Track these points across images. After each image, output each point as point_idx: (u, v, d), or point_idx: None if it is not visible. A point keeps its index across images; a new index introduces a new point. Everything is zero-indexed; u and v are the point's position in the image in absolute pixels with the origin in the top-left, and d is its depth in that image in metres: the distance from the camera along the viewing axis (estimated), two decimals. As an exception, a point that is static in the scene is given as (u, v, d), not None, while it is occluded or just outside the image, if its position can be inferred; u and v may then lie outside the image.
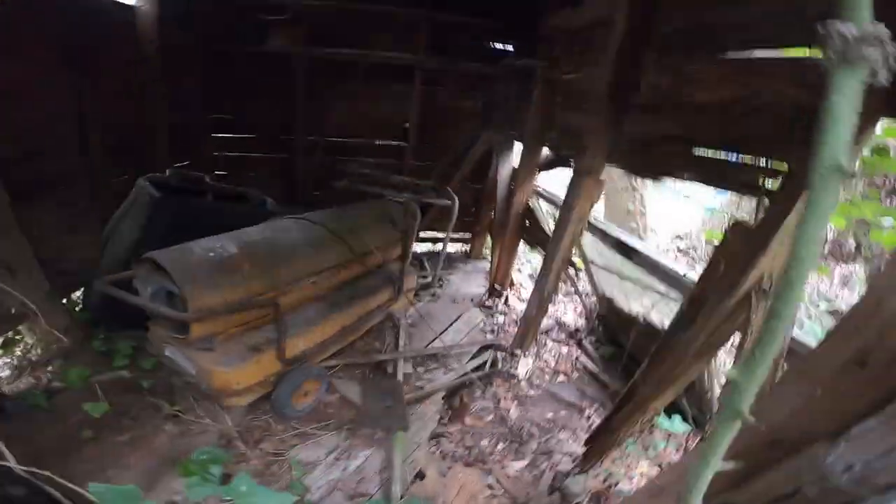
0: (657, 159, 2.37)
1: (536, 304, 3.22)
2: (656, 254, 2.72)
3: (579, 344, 3.85)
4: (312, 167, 5.02)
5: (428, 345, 3.55)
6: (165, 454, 2.26)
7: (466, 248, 5.66)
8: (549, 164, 3.93)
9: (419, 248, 5.51)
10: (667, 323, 2.67)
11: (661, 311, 2.95)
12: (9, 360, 3.01)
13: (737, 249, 1.64)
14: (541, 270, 3.08)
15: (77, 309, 3.23)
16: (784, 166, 1.67)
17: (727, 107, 1.93)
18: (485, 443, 2.82)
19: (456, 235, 5.50)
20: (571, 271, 4.26)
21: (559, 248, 2.85)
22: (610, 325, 3.78)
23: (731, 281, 1.65)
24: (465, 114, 4.88)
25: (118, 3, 3.49)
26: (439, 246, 5.54)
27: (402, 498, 2.25)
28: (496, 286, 4.44)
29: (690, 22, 2.21)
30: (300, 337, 2.60)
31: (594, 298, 4.04)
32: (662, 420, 2.65)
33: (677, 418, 2.64)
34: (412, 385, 3.11)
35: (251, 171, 4.97)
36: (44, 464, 2.05)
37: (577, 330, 4.01)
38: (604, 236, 2.94)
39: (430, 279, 4.52)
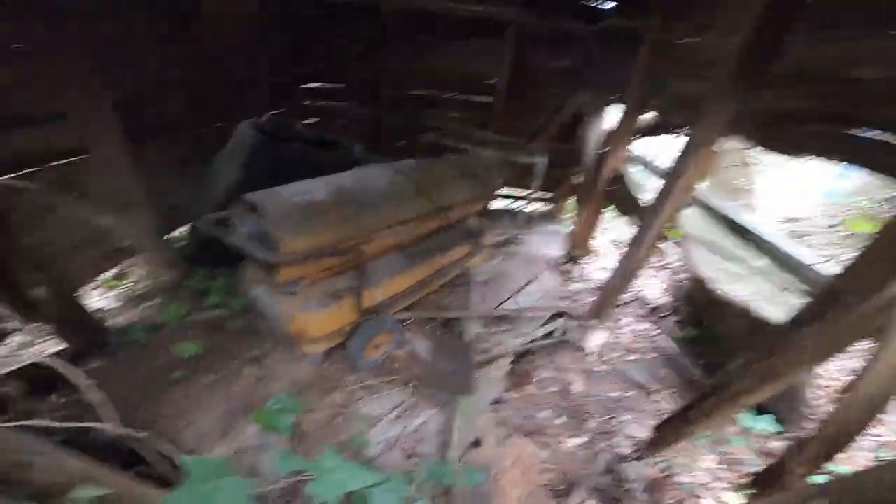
0: (795, 135, 2.10)
1: (621, 275, 3.02)
2: (779, 238, 2.40)
3: (659, 322, 3.63)
4: (398, 118, 5.05)
5: (499, 305, 3.50)
6: (243, 399, 2.40)
7: (547, 208, 5.45)
8: (651, 130, 3.58)
9: (498, 203, 5.43)
10: (775, 314, 2.43)
11: (771, 299, 2.65)
12: (118, 294, 3.31)
13: (892, 248, 1.39)
14: (633, 239, 2.86)
15: (179, 246, 3.46)
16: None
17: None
18: (544, 414, 2.78)
19: (538, 195, 5.35)
20: (662, 244, 3.98)
21: (658, 218, 2.61)
22: (698, 307, 3.50)
23: (877, 282, 1.41)
24: (557, 73, 4.56)
25: None
26: (518, 204, 5.44)
27: (457, 463, 2.27)
28: (575, 251, 4.25)
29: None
30: (378, 287, 2.62)
31: (684, 276, 3.75)
32: (746, 416, 2.45)
33: (768, 417, 2.41)
34: (479, 346, 3.08)
35: (338, 120, 5.19)
36: (134, 403, 2.25)
37: (658, 307, 3.77)
38: (712, 211, 2.63)
39: (506, 236, 4.41)
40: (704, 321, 3.33)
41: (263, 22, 3.90)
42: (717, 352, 3.07)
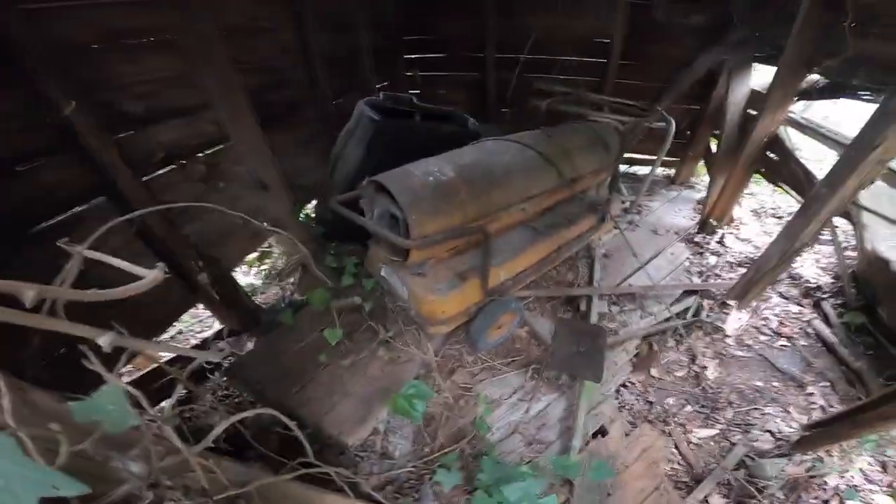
0: None
1: (780, 253, 2.65)
2: None
3: (816, 305, 3.17)
4: (506, 85, 4.79)
5: (622, 281, 3.29)
6: (378, 381, 2.52)
7: (670, 172, 4.96)
8: (823, 92, 2.99)
9: (621, 167, 5.03)
10: None
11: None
12: (261, 273, 3.63)
13: None
14: (798, 213, 2.47)
15: (313, 224, 3.66)
16: None
17: None
18: (670, 401, 2.60)
19: (666, 157, 4.85)
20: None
21: (835, 190, 2.21)
22: (869, 290, 2.98)
23: None
24: (687, 28, 3.92)
25: None
26: (638, 168, 5.01)
27: (581, 452, 2.20)
28: (711, 221, 3.83)
29: None
30: (503, 266, 2.57)
31: (855, 255, 3.20)
32: None
33: None
34: (605, 327, 2.93)
35: (442, 90, 5.09)
36: (286, 386, 2.42)
37: (817, 287, 3.28)
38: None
39: (630, 204, 4.10)
40: (879, 308, 2.83)
41: None
42: (891, 344, 2.66)
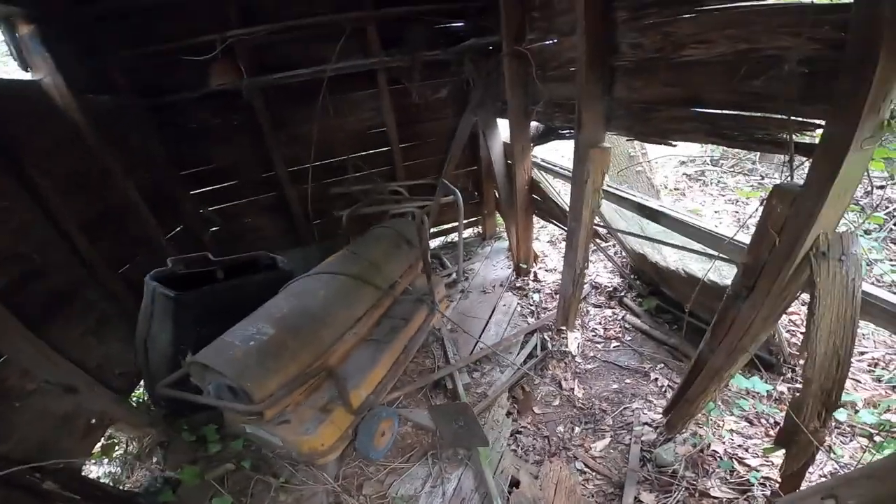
0: (658, 122, 2.24)
1: (571, 281, 3.18)
2: (683, 214, 2.64)
3: (621, 303, 3.83)
4: (305, 198, 4.72)
5: (473, 349, 3.55)
6: None
7: (479, 230, 5.60)
8: (542, 137, 3.80)
9: (433, 243, 5.49)
10: (708, 274, 2.65)
11: (698, 263, 2.90)
12: (115, 459, 3.04)
13: (784, 214, 1.57)
14: (567, 246, 3.03)
15: (149, 407, 3.26)
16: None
17: (723, 63, 1.78)
18: (560, 429, 2.85)
19: (466, 221, 5.43)
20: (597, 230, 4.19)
21: (580, 222, 2.79)
22: (647, 279, 3.74)
23: (786, 248, 1.59)
24: (442, 102, 4.67)
25: (22, 80, 2.93)
26: (452, 237, 5.54)
27: None
28: (521, 265, 4.40)
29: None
30: (360, 386, 2.60)
31: (625, 256, 3.99)
32: (740, 379, 2.57)
33: (755, 379, 2.58)
34: (473, 393, 3.13)
35: (245, 218, 4.74)
36: None
37: (615, 289, 3.99)
38: (623, 201, 2.85)
39: (454, 276, 4.49)
40: (662, 288, 3.54)
41: (113, 141, 3.32)
42: (681, 315, 3.21)
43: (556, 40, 2.98)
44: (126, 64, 3.64)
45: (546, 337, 3.52)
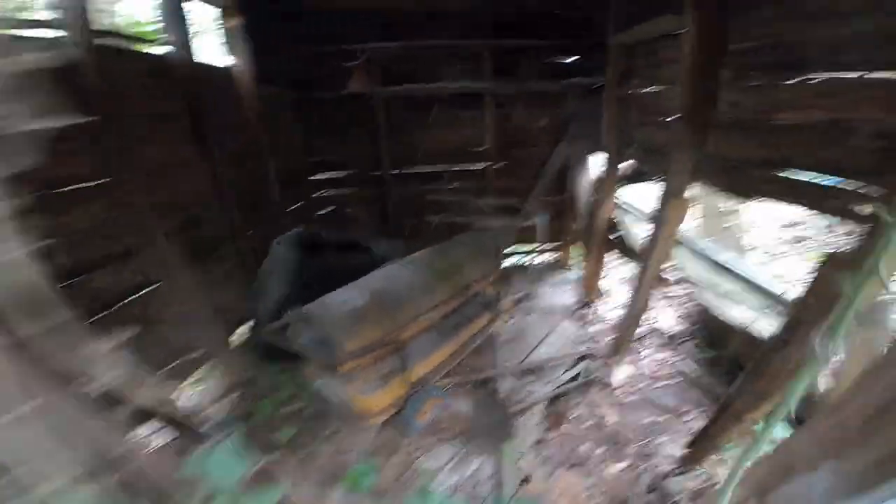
0: (743, 180, 2.38)
1: (630, 315, 3.36)
2: (752, 271, 2.74)
3: (677, 349, 3.90)
4: (403, 198, 5.39)
5: (523, 360, 3.83)
6: (327, 469, 2.81)
7: (554, 256, 5.84)
8: (632, 178, 4.00)
9: (510, 260, 5.81)
10: (765, 332, 2.72)
11: (759, 322, 2.96)
12: (201, 392, 3.69)
13: (832, 279, 1.70)
14: (632, 285, 3.21)
15: (246, 349, 3.93)
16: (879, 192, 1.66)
17: (816, 129, 1.92)
18: (584, 448, 3.01)
19: (545, 247, 5.75)
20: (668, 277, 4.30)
21: (649, 265, 2.98)
22: (709, 332, 3.79)
23: (826, 307, 1.71)
24: (540, 131, 5.07)
25: (219, 66, 3.71)
26: (528, 258, 5.84)
27: (511, 499, 2.58)
28: (587, 297, 4.59)
29: (768, 39, 2.17)
30: (419, 364, 3.01)
31: (692, 304, 4.06)
32: (762, 427, 2.64)
33: (781, 427, 2.62)
34: (513, 398, 3.40)
35: (348, 208, 5.46)
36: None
37: (675, 335, 4.06)
38: (695, 252, 3.01)
39: (521, 294, 4.79)
40: (717, 343, 3.60)
41: (271, 124, 4.10)
42: (736, 370, 3.27)
43: (657, 89, 3.20)
44: (286, 59, 4.45)
45: (594, 366, 3.71)
